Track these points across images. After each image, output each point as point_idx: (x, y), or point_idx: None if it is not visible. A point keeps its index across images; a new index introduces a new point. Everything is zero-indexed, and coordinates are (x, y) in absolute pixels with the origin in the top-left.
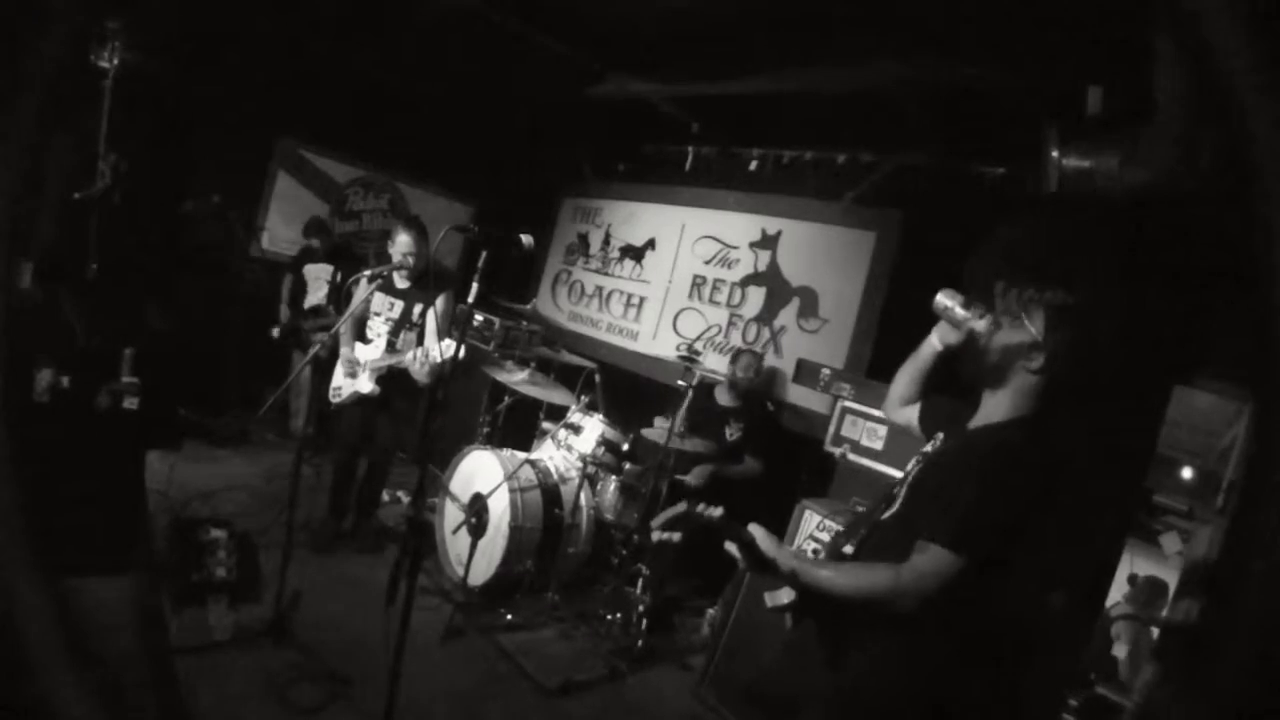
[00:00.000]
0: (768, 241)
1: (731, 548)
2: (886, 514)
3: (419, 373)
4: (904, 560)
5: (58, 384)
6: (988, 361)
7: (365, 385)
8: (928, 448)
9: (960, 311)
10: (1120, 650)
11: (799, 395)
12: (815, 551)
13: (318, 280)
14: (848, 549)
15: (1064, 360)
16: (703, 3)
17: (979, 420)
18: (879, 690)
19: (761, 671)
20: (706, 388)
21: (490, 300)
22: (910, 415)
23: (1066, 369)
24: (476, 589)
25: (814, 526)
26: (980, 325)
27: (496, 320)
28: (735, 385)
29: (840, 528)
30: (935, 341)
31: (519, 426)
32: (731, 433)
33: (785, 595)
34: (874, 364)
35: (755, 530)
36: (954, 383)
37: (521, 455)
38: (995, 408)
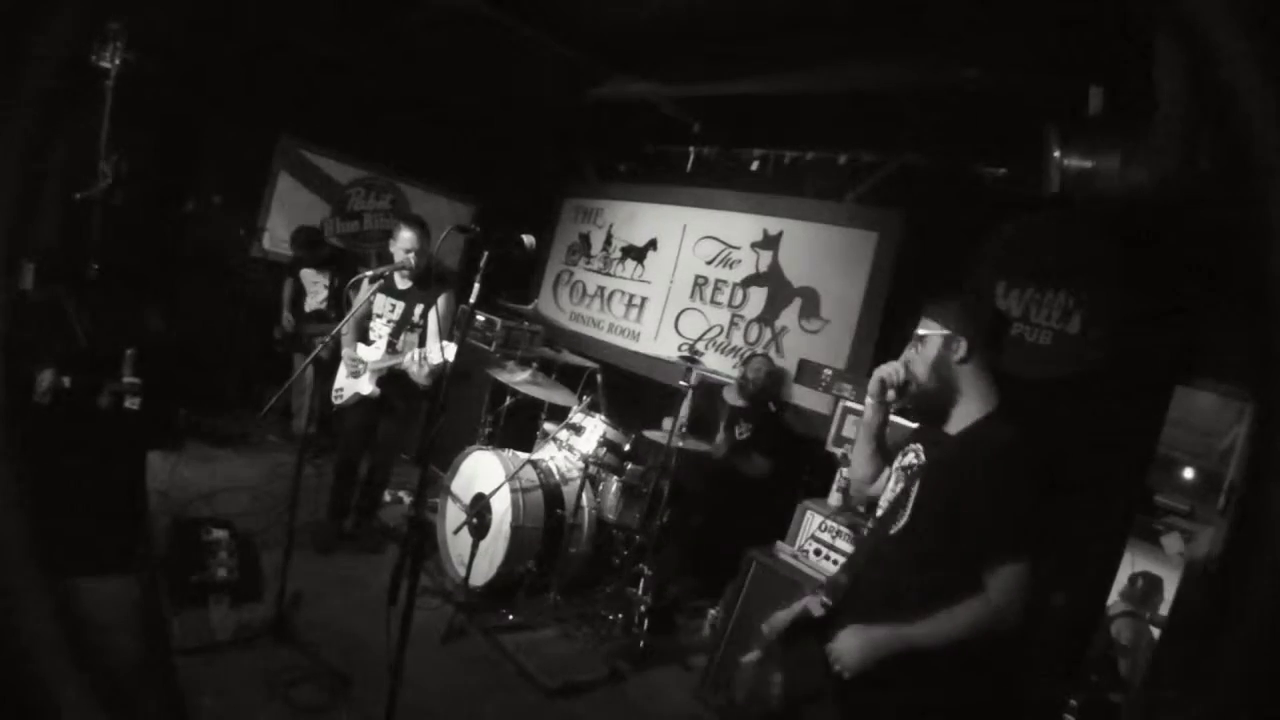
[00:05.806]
0: (769, 242)
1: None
2: (894, 529)
3: (418, 374)
4: (924, 568)
5: (58, 384)
6: (932, 387)
7: (366, 386)
8: (908, 460)
9: (872, 398)
10: (1121, 650)
11: (801, 395)
12: (818, 551)
13: (315, 285)
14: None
15: (982, 335)
16: (703, 3)
17: (956, 427)
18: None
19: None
20: (715, 388)
21: (492, 301)
22: (880, 484)
23: (988, 341)
24: (478, 589)
25: (815, 527)
26: (900, 374)
27: (498, 321)
28: (745, 387)
29: (843, 528)
30: (876, 416)
31: (520, 427)
32: (741, 432)
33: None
34: (876, 364)
35: (839, 647)
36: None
37: (523, 456)
38: (965, 413)
